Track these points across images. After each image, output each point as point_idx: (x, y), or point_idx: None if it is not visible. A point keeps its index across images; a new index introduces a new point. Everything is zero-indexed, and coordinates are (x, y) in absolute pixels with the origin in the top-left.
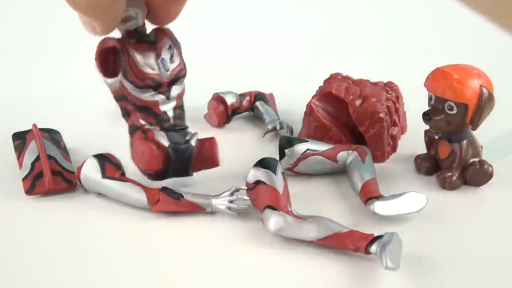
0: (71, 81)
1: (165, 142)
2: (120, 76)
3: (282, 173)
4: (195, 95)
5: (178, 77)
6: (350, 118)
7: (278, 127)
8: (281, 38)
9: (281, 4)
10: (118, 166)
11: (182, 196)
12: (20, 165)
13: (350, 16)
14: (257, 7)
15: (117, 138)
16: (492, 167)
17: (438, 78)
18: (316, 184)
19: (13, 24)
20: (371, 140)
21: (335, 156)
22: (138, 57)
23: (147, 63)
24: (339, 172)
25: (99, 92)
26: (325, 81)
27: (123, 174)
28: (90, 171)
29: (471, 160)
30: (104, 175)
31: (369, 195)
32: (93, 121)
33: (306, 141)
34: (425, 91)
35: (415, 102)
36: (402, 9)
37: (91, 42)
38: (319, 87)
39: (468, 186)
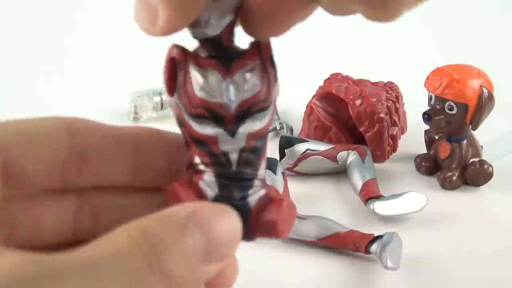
0: (72, 81)
1: (210, 193)
2: (175, 96)
3: (282, 173)
4: None
5: (249, 111)
6: (350, 118)
7: (278, 127)
8: (281, 38)
9: None
10: None
11: None
12: None
13: (351, 16)
14: None
15: None
16: (492, 167)
17: (438, 78)
18: (316, 184)
19: (14, 24)
20: (371, 140)
21: (335, 156)
22: (196, 76)
23: (206, 85)
24: (339, 172)
25: (99, 92)
26: (325, 81)
27: None
28: None
29: (471, 160)
30: None
31: (369, 195)
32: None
33: (306, 141)
34: (425, 91)
35: (415, 102)
36: None
37: (91, 43)
38: (319, 87)
39: (468, 186)
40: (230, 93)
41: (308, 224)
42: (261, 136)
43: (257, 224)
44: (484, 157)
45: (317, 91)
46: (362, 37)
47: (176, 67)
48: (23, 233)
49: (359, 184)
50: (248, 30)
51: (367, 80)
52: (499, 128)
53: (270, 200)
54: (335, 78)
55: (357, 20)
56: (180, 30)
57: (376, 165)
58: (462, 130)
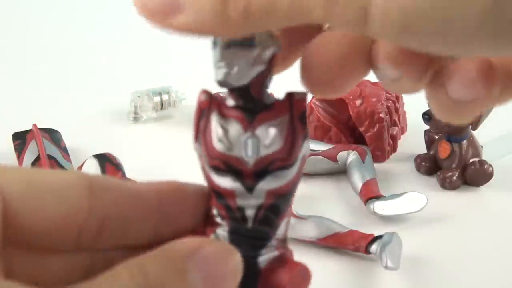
0: (71, 81)
1: None
2: (196, 144)
3: None
4: (196, 95)
5: (267, 169)
6: (350, 118)
7: None
8: None
9: None
10: (118, 166)
11: None
12: (20, 165)
13: None
14: None
15: (117, 138)
16: (492, 167)
17: None
18: (316, 184)
19: (14, 25)
20: (371, 140)
21: (335, 156)
22: (216, 126)
23: (225, 138)
24: (339, 172)
25: (99, 92)
26: None
27: (123, 174)
28: (90, 171)
29: (471, 160)
30: (104, 175)
31: (369, 195)
32: (93, 121)
33: None
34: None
35: (415, 102)
36: None
37: (92, 43)
38: None
39: (468, 186)
40: (248, 147)
41: (308, 224)
42: (282, 194)
43: (266, 285)
44: (484, 157)
45: None
46: None
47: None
48: (20, 279)
49: (359, 184)
50: (305, 86)
51: (367, 80)
52: (499, 128)
53: (284, 263)
54: None
55: None
56: (206, 35)
57: (376, 165)
58: (462, 130)
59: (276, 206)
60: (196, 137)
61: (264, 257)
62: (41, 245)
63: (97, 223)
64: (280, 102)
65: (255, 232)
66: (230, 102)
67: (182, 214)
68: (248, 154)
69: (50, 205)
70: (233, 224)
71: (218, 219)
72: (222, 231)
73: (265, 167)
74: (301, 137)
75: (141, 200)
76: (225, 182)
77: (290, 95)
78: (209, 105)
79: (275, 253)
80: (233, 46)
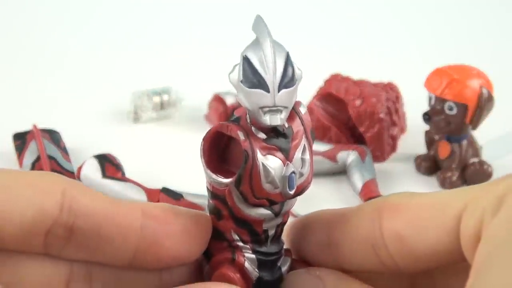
0: (70, 81)
1: (253, 274)
2: (230, 182)
3: None
4: (196, 95)
5: (300, 194)
6: (350, 118)
7: None
8: (281, 38)
9: (281, 4)
10: (118, 166)
11: (182, 196)
12: (21, 165)
13: (350, 16)
14: (256, 7)
15: (117, 138)
16: (491, 167)
17: (438, 79)
18: (316, 184)
19: (13, 25)
20: (371, 140)
21: (335, 156)
22: (263, 168)
23: (273, 178)
24: (339, 172)
25: (99, 92)
26: (325, 81)
27: (123, 174)
28: (90, 171)
29: (471, 160)
30: (104, 175)
31: (369, 195)
32: (93, 121)
33: None
34: (425, 91)
35: (415, 102)
36: (402, 9)
37: (92, 43)
38: (319, 87)
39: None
40: (293, 182)
41: None
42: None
43: None
44: (484, 157)
45: (317, 91)
46: (362, 37)
47: (217, 140)
48: None
49: (359, 184)
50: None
51: (367, 81)
52: (499, 128)
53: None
54: (335, 78)
55: (357, 20)
56: None
57: (376, 165)
58: (462, 130)
59: (286, 221)
60: (211, 163)
61: (285, 268)
62: (5, 245)
63: (65, 232)
64: (294, 123)
65: (273, 247)
66: (261, 135)
67: (168, 239)
68: (292, 188)
69: (14, 207)
70: (256, 246)
71: (240, 243)
72: (250, 255)
73: (299, 193)
74: (312, 149)
75: (119, 219)
76: (258, 211)
77: (294, 110)
78: (250, 143)
79: (288, 259)
80: (283, 87)
